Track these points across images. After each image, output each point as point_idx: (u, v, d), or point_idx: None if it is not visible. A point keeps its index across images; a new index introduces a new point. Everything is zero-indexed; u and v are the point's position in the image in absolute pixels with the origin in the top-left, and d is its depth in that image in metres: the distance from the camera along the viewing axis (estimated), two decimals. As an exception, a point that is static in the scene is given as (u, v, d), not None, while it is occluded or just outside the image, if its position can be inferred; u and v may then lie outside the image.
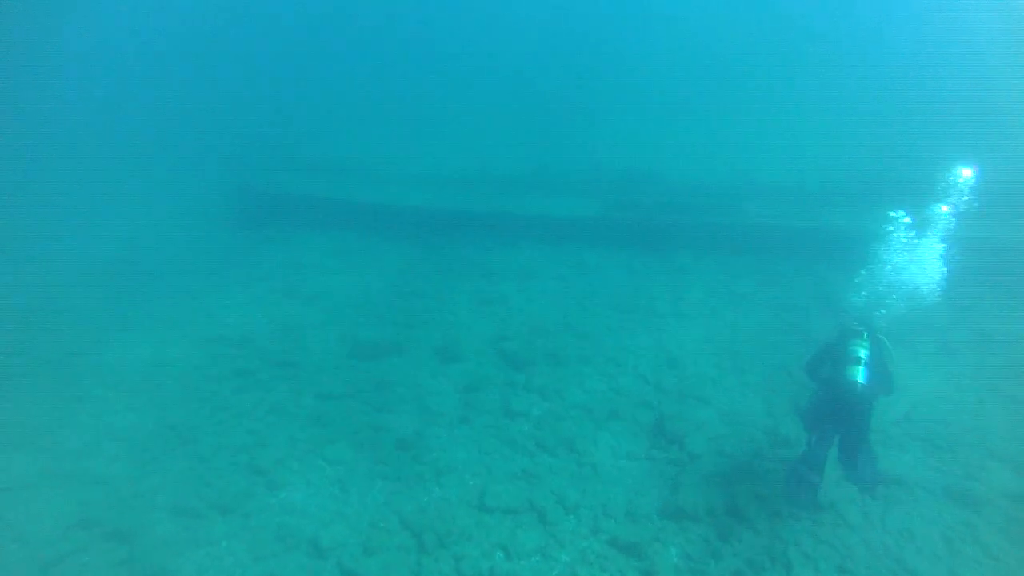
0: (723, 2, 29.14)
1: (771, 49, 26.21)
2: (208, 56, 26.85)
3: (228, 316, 10.60)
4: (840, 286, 10.28)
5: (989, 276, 10.30)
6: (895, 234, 7.65)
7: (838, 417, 5.77)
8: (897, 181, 12.50)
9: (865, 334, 6.03)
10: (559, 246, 12.55)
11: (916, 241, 7.55)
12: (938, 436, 7.13)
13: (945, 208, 7.77)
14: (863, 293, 7.46)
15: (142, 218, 15.34)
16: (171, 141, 20.25)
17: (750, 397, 7.97)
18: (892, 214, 7.66)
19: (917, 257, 7.52)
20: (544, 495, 6.65)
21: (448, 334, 9.66)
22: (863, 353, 5.84)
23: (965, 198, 10.59)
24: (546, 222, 12.76)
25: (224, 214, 15.15)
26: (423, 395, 8.41)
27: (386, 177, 15.45)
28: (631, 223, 12.49)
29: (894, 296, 7.20)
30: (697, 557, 5.82)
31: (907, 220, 7.59)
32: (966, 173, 8.03)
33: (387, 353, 9.34)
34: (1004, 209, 10.84)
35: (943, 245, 7.53)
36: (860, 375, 5.71)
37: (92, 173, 18.14)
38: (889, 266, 7.55)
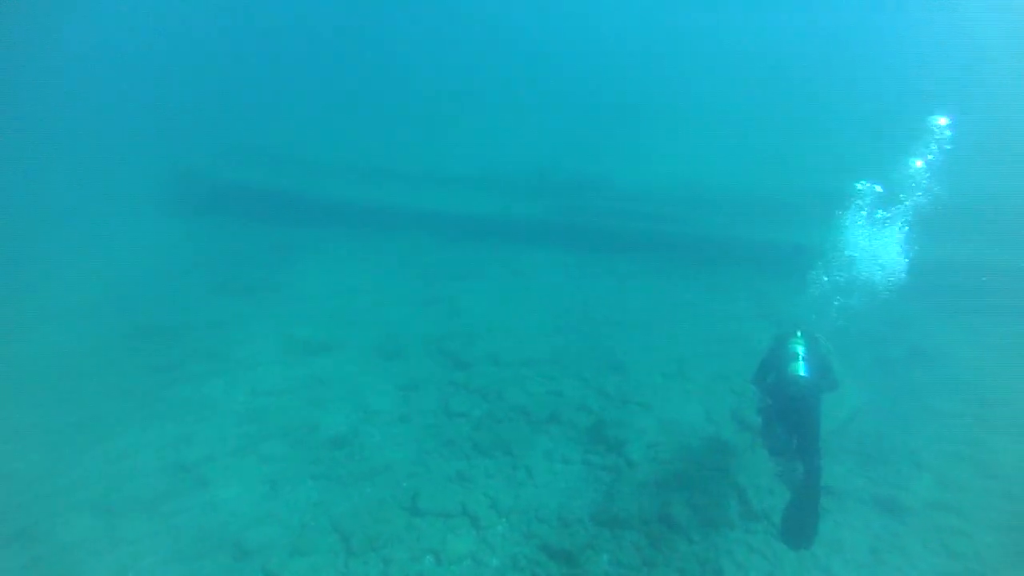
0: (681, 10, 29.53)
1: (729, 58, 26.67)
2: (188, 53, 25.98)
3: (161, 306, 10.24)
4: (780, 297, 10.53)
5: (925, 292, 10.61)
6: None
7: (790, 417, 5.74)
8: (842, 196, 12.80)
9: (799, 333, 6.12)
10: (505, 248, 12.50)
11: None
12: (871, 448, 7.29)
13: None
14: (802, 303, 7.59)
15: (78, 203, 14.75)
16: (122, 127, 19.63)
17: (691, 404, 8.01)
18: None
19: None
20: (478, 498, 6.57)
21: (390, 332, 9.49)
22: (800, 349, 5.91)
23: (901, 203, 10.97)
24: (492, 223, 12.67)
25: (164, 202, 14.66)
26: (362, 392, 8.26)
27: (332, 172, 15.20)
28: (578, 228, 12.51)
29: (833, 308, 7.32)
30: (629, 565, 5.80)
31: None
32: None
33: (326, 349, 9.18)
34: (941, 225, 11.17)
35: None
36: (801, 368, 5.76)
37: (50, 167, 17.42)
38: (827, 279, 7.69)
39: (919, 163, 8.54)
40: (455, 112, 21.41)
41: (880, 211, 8.42)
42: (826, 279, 7.70)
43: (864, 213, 8.47)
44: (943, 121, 9.01)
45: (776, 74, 24.19)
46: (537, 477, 6.89)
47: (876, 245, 8.02)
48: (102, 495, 6.53)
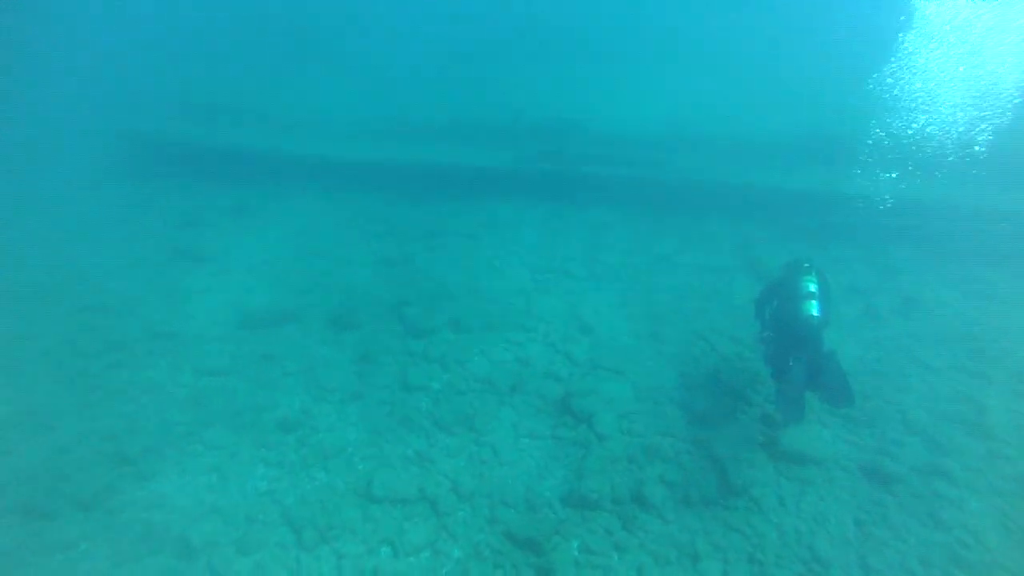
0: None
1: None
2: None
3: (107, 281, 9.74)
4: (764, 246, 10.17)
5: (917, 236, 10.31)
6: None
7: (798, 348, 6.02)
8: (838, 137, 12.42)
9: (813, 270, 6.40)
10: (471, 200, 11.99)
11: None
12: (858, 410, 7.01)
13: None
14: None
15: (21, 169, 14.03)
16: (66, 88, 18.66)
17: (665, 369, 7.71)
18: None
19: None
20: (438, 481, 6.30)
21: (346, 299, 9.09)
22: (814, 288, 6.21)
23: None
24: (459, 173, 12.14)
25: (114, 165, 13.97)
26: (314, 368, 7.89)
27: (294, 125, 14.53)
28: (549, 176, 11.99)
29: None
30: (599, 551, 5.56)
31: None
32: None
33: (278, 322, 8.75)
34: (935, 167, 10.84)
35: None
36: (815, 308, 6.11)
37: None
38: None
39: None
40: (419, 56, 20.54)
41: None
42: None
43: None
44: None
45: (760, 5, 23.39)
46: (502, 455, 6.60)
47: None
48: (37, 495, 6.16)
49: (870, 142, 10.96)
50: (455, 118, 14.69)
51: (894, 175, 10.61)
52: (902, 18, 10.61)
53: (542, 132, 13.70)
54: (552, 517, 5.90)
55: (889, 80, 10.79)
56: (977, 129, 10.26)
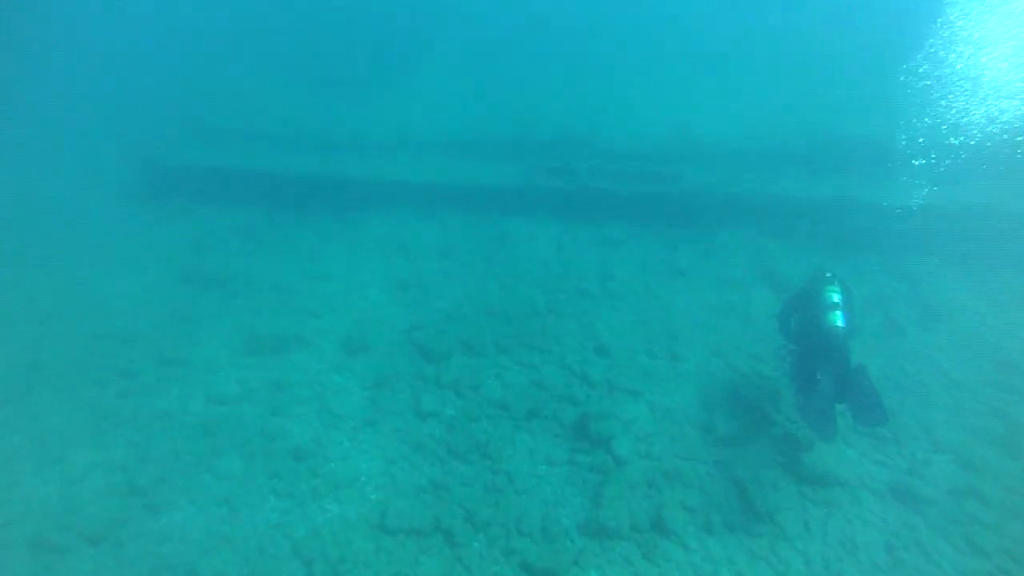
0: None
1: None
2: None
3: (117, 306, 9.69)
4: (782, 258, 10.00)
5: (937, 243, 10.10)
6: None
7: (824, 362, 5.94)
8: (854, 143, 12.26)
9: (836, 280, 6.38)
10: (482, 217, 11.87)
11: None
12: (884, 427, 6.81)
13: None
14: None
15: (29, 192, 14.07)
16: (75, 109, 18.76)
17: (684, 388, 7.55)
18: None
19: None
20: (452, 511, 6.16)
21: (357, 322, 8.98)
22: (838, 298, 6.19)
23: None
24: (469, 190, 12.05)
25: (124, 188, 13.99)
26: (325, 394, 7.77)
27: (300, 145, 14.49)
28: (561, 191, 11.87)
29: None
30: (619, 582, 5.39)
31: None
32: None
33: (288, 346, 8.63)
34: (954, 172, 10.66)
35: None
36: (839, 319, 6.07)
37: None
38: None
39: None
40: (425, 71, 20.51)
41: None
42: None
43: None
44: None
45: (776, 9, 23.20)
46: (518, 482, 6.46)
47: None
48: (45, 528, 6.09)
49: (903, 142, 10.76)
50: (462, 134, 14.61)
51: (924, 185, 10.41)
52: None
53: (552, 147, 13.59)
54: (570, 547, 5.75)
55: (923, 67, 10.57)
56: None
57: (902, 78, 10.69)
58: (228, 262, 10.87)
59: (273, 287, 10.07)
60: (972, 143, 10.50)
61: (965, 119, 10.67)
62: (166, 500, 6.42)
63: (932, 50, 10.77)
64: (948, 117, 10.69)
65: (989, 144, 10.40)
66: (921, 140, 10.96)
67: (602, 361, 8.05)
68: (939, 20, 10.48)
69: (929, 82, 10.63)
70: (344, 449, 6.98)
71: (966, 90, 10.58)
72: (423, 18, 24.02)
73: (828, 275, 6.51)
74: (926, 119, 11.23)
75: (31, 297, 10.01)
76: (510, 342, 8.42)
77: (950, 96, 10.58)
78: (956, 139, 10.75)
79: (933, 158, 10.80)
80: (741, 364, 7.84)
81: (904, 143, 11.50)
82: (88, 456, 6.93)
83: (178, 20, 25.33)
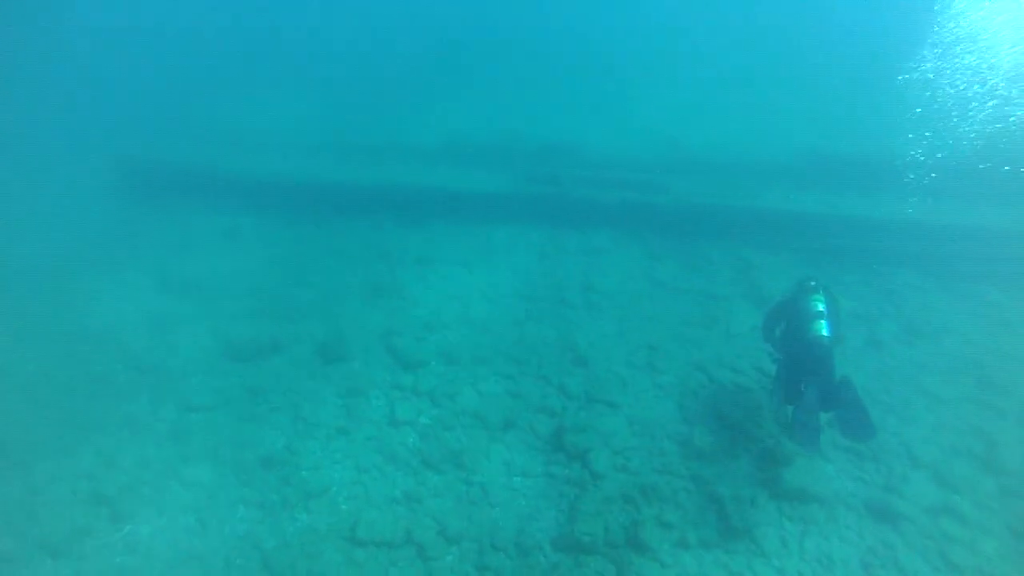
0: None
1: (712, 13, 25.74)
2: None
3: (92, 309, 9.55)
4: (765, 271, 9.98)
5: (920, 260, 10.11)
6: None
7: (809, 371, 5.91)
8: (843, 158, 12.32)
9: (821, 288, 6.42)
10: (465, 225, 11.80)
11: None
12: (862, 443, 6.76)
13: None
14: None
15: (11, 193, 13.89)
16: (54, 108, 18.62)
17: (663, 401, 7.48)
18: None
19: None
20: (425, 523, 6.08)
21: (334, 329, 8.87)
22: (822, 307, 6.21)
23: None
24: (453, 198, 11.99)
25: (105, 187, 13.82)
26: (299, 402, 7.66)
27: (287, 148, 14.43)
28: (545, 199, 11.85)
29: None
30: (591, 599, 5.30)
31: None
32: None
33: (264, 353, 8.53)
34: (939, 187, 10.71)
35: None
36: (824, 328, 6.07)
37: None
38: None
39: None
40: (412, 78, 20.52)
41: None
42: None
43: None
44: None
45: (760, 22, 23.39)
46: (492, 495, 6.38)
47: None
48: (4, 539, 5.94)
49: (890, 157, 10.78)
50: (449, 139, 14.60)
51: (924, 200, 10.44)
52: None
53: (537, 154, 13.58)
54: (543, 562, 5.67)
55: (907, 78, 10.61)
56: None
57: (890, 92, 10.73)
58: (207, 265, 10.73)
59: (252, 291, 9.93)
60: (957, 159, 10.55)
61: (951, 134, 10.72)
62: (132, 510, 6.31)
63: (921, 64, 10.83)
64: (934, 132, 10.75)
65: (974, 160, 10.44)
66: (911, 156, 11.01)
67: (580, 372, 7.98)
68: (928, 36, 10.56)
69: (921, 96, 10.68)
70: (316, 458, 6.86)
71: (954, 105, 10.64)
72: (416, 26, 24.10)
73: (812, 283, 6.50)
74: (910, 134, 11.29)
75: (15, 297, 9.86)
76: (488, 351, 8.32)
77: (939, 111, 10.63)
78: (941, 154, 10.80)
79: (918, 174, 10.84)
80: (722, 378, 7.78)
81: (890, 158, 11.53)
82: (53, 463, 6.80)
83: (169, 26, 25.28)
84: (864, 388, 7.52)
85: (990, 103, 10.26)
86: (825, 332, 6.04)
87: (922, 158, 10.72)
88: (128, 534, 6.09)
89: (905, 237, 10.29)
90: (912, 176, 10.73)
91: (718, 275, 10.21)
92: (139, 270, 10.62)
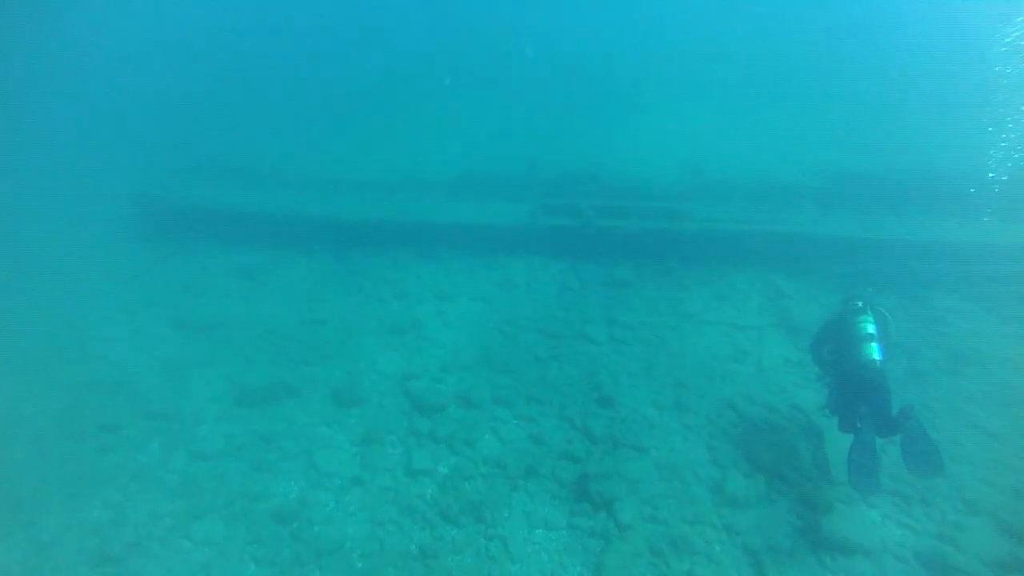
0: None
1: (732, 34, 25.55)
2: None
3: (105, 353, 9.44)
4: (800, 302, 9.60)
5: (962, 284, 9.65)
6: None
7: (863, 397, 5.71)
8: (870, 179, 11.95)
9: (868, 309, 6.18)
10: (484, 259, 11.56)
11: None
12: (910, 485, 6.34)
13: None
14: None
15: (22, 231, 13.96)
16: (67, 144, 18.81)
17: (692, 443, 7.11)
18: None
19: None
20: (442, 582, 5.72)
21: (350, 371, 8.66)
22: (872, 329, 5.97)
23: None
24: (472, 231, 11.77)
25: (121, 227, 13.84)
26: (313, 450, 7.41)
27: (303, 184, 14.36)
28: (565, 230, 11.54)
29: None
30: (618, 667, 4.92)
31: None
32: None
33: (278, 398, 8.30)
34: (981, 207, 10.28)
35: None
36: (875, 352, 5.84)
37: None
38: None
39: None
40: (427, 109, 20.50)
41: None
42: None
43: None
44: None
45: (783, 45, 23.12)
46: (513, 550, 6.03)
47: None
48: (8, 602, 5.75)
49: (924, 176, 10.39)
50: (466, 171, 14.43)
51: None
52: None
53: (556, 183, 13.35)
54: (567, 624, 5.31)
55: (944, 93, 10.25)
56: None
57: (922, 108, 10.37)
58: (222, 305, 10.60)
59: (267, 332, 9.75)
60: (1004, 177, 10.14)
61: (993, 153, 10.33)
62: (139, 569, 6.07)
63: (956, 81, 10.47)
64: (973, 149, 10.34)
65: (1019, 175, 10.01)
66: (947, 174, 10.60)
67: (606, 413, 7.63)
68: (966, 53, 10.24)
69: (955, 111, 10.32)
70: (330, 511, 6.59)
71: (997, 123, 10.26)
72: (428, 55, 24.18)
73: (859, 304, 6.23)
74: (947, 151, 10.89)
75: (15, 342, 9.78)
76: (508, 392, 8.02)
77: (980, 127, 10.27)
78: (992, 173, 10.40)
79: (957, 193, 10.41)
80: (755, 416, 7.40)
81: (925, 177, 11.13)
82: (61, 519, 6.62)
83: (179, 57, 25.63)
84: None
85: None
86: (876, 356, 5.79)
87: (961, 176, 10.31)
88: (134, 597, 5.86)
89: (945, 260, 9.85)
90: (950, 195, 10.31)
91: (747, 305, 9.83)
92: (152, 314, 10.50)
